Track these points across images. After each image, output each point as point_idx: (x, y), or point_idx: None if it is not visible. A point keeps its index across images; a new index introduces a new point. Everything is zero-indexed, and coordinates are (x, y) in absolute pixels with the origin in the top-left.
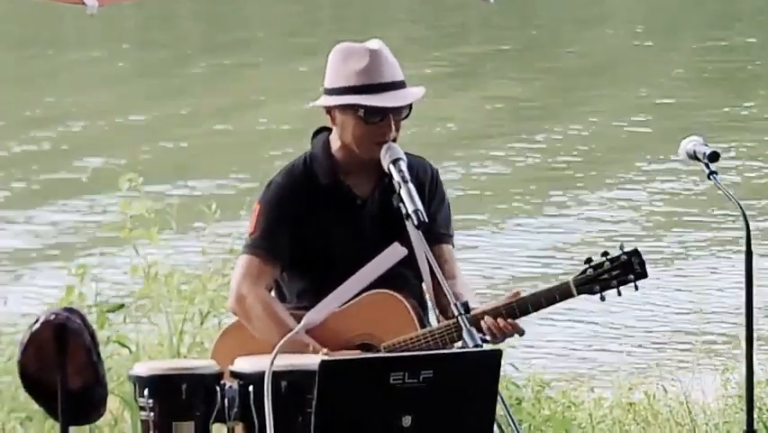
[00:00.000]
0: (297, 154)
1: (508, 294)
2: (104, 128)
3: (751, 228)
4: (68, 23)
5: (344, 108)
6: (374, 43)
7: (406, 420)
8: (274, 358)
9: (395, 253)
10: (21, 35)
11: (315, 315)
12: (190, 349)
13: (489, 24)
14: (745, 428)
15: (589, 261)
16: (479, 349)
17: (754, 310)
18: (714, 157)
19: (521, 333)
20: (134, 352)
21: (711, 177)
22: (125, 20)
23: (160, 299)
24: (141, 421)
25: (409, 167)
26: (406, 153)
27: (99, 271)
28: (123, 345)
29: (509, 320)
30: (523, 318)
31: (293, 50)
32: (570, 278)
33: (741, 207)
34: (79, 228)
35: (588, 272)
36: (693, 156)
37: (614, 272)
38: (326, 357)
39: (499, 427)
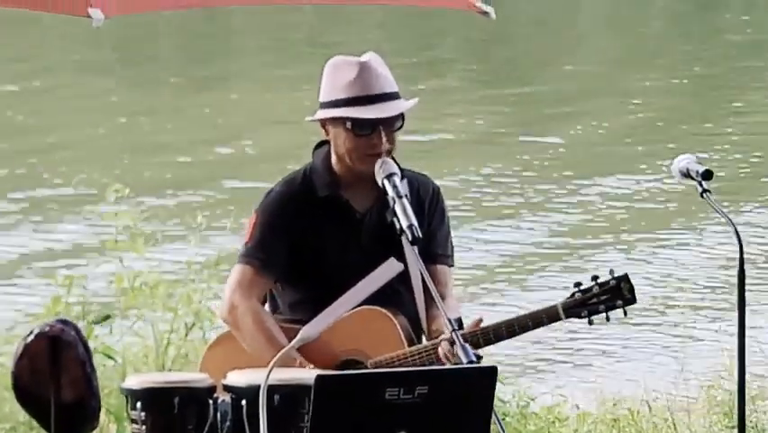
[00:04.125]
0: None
1: (471, 323)
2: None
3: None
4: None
5: (335, 121)
6: (366, 56)
7: None
8: (269, 373)
9: (391, 268)
10: None
11: (310, 330)
12: (175, 361)
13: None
14: None
15: (578, 284)
16: (474, 366)
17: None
18: (707, 175)
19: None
20: (120, 363)
21: (704, 195)
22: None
23: (145, 308)
24: None
25: (410, 184)
26: (408, 171)
27: (85, 283)
28: (109, 357)
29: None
30: None
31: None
32: (558, 301)
33: (734, 225)
34: (65, 239)
35: (576, 296)
36: (686, 174)
37: (602, 297)
38: (322, 372)
39: None
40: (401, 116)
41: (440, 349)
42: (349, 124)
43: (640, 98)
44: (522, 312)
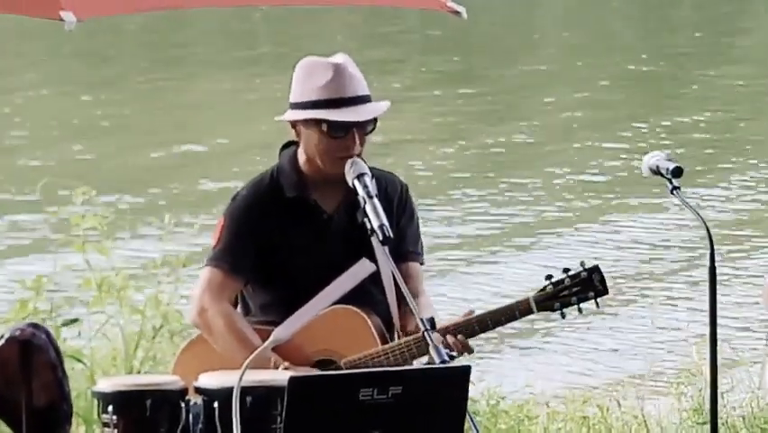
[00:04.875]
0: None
1: (464, 312)
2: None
3: None
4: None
5: (308, 123)
6: (338, 57)
7: None
8: (242, 375)
9: (363, 268)
10: None
11: (282, 331)
12: (143, 363)
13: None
14: None
15: (549, 277)
16: (447, 365)
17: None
18: (677, 172)
19: (470, 351)
20: (88, 366)
21: (675, 192)
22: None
23: (113, 311)
24: None
25: (378, 182)
26: (375, 169)
27: (51, 286)
28: (78, 360)
29: (460, 338)
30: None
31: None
32: (530, 294)
33: (705, 223)
34: (30, 238)
35: (548, 289)
36: (656, 171)
37: (574, 289)
38: (295, 373)
39: None
40: (374, 119)
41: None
42: (324, 127)
43: (592, 92)
44: (494, 307)
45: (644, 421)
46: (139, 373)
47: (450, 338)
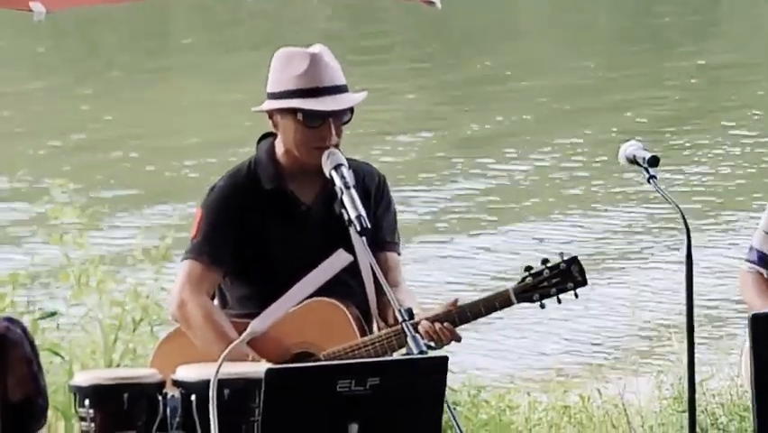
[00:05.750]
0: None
1: (447, 302)
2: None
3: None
4: None
5: (284, 112)
6: (315, 47)
7: (353, 428)
8: (219, 367)
9: (340, 259)
10: None
11: (259, 324)
12: (123, 356)
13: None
14: (687, 429)
15: (528, 268)
16: (425, 356)
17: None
18: (654, 162)
19: (458, 339)
20: (67, 360)
21: (651, 181)
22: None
23: (91, 303)
24: (82, 432)
25: (355, 173)
26: (353, 160)
27: (28, 282)
28: (56, 354)
29: (447, 325)
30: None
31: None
32: (509, 286)
33: (681, 211)
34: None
35: (527, 281)
36: (633, 161)
37: (553, 280)
38: (272, 366)
39: None
40: (351, 109)
41: (420, 328)
42: (300, 116)
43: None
44: (474, 298)
45: (624, 410)
46: (118, 366)
47: (437, 325)
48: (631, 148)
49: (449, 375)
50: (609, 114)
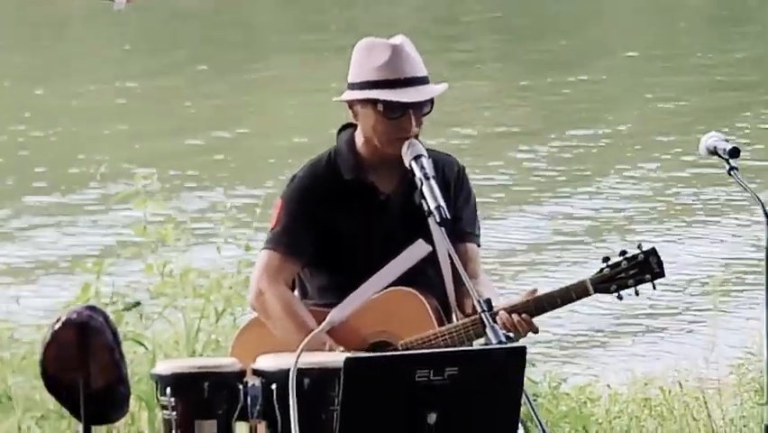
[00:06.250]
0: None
1: (525, 292)
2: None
3: None
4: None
5: (365, 103)
6: (397, 38)
7: (432, 418)
8: (299, 356)
9: (419, 249)
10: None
11: (338, 313)
12: (206, 347)
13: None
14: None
15: (606, 259)
16: (503, 346)
17: None
18: (734, 153)
19: (535, 331)
20: (150, 350)
21: (731, 173)
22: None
23: (175, 296)
24: (164, 420)
25: (435, 164)
26: (432, 150)
27: (114, 269)
28: (140, 344)
29: (524, 316)
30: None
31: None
32: (587, 276)
33: (761, 203)
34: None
35: (605, 271)
36: (713, 152)
37: (631, 271)
38: (351, 355)
39: (522, 424)
40: (431, 101)
41: (498, 319)
42: (380, 107)
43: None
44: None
45: (705, 403)
46: (200, 356)
47: (515, 317)
48: (712, 139)
49: (530, 368)
50: None
